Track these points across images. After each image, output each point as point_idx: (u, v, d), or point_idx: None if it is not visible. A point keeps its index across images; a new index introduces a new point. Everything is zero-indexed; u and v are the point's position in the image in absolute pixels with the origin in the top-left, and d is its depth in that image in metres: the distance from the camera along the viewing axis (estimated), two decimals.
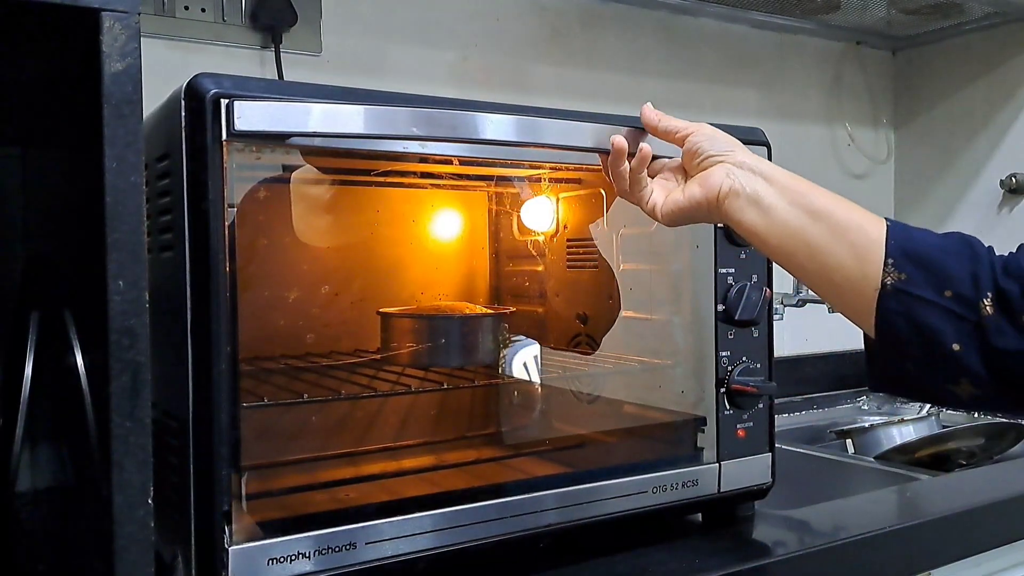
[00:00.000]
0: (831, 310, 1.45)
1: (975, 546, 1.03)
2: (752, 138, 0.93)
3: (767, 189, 0.74)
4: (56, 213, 0.93)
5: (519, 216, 1.22)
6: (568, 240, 1.14)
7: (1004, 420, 1.50)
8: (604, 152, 0.80)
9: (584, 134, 0.81)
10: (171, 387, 0.69)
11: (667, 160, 0.82)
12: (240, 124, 0.65)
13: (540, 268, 1.18)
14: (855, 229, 0.71)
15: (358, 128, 0.71)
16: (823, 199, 0.73)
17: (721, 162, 0.76)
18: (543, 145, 0.81)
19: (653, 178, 0.81)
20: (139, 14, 0.55)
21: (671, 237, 0.96)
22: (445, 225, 1.25)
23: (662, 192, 0.80)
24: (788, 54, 1.82)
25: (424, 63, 1.40)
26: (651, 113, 0.81)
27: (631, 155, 0.79)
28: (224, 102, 0.66)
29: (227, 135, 0.66)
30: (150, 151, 0.71)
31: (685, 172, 0.80)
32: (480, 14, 1.46)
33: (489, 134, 0.77)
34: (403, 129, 0.73)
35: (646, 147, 0.79)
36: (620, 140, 0.79)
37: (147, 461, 0.55)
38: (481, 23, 1.46)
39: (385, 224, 1.20)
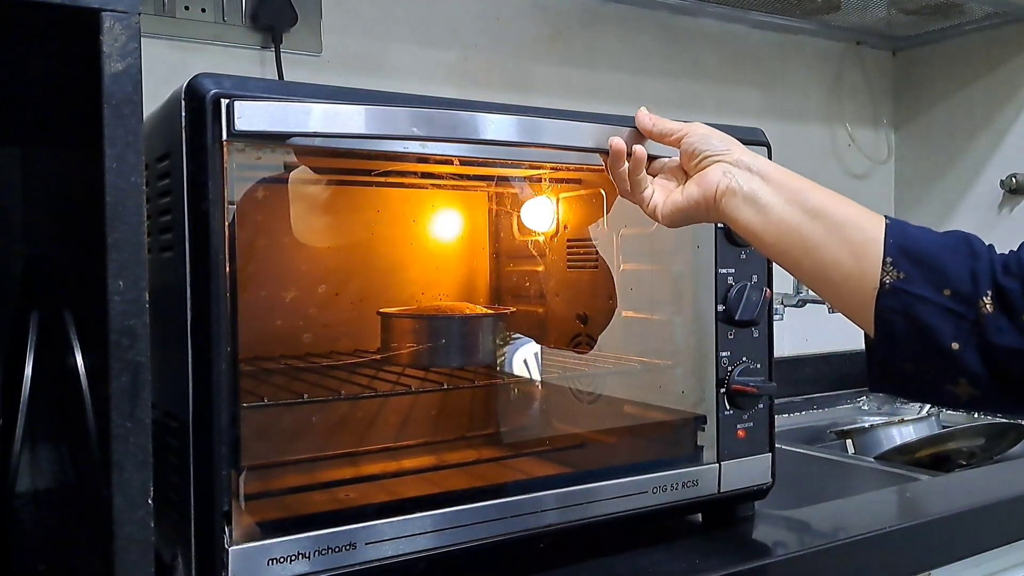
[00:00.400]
0: (831, 310, 1.45)
1: (975, 546, 1.03)
2: (752, 138, 0.93)
3: (764, 187, 0.74)
4: (56, 213, 0.93)
5: (519, 216, 1.22)
6: (568, 240, 1.14)
7: (1004, 420, 1.50)
8: (604, 152, 0.81)
9: (584, 134, 0.81)
10: (171, 387, 0.69)
11: (667, 160, 0.82)
12: (240, 124, 0.65)
13: (540, 268, 1.18)
14: (852, 227, 0.71)
15: (358, 128, 0.71)
16: (820, 196, 0.73)
17: (718, 161, 0.76)
18: (543, 145, 0.81)
19: (654, 177, 0.81)
20: (139, 14, 0.55)
21: (671, 237, 0.96)
22: (445, 225, 1.25)
23: (662, 193, 0.80)
24: (788, 54, 1.82)
25: (424, 63, 1.40)
26: (645, 117, 0.81)
27: (630, 156, 0.79)
28: (224, 102, 0.66)
29: (227, 135, 0.66)
30: (150, 151, 0.71)
31: (684, 173, 0.80)
32: (480, 14, 1.46)
33: (489, 134, 0.77)
34: (403, 129, 0.73)
35: (640, 150, 0.79)
36: (618, 142, 0.79)
37: (147, 461, 0.55)
38: (481, 23, 1.46)
39: (385, 224, 1.20)
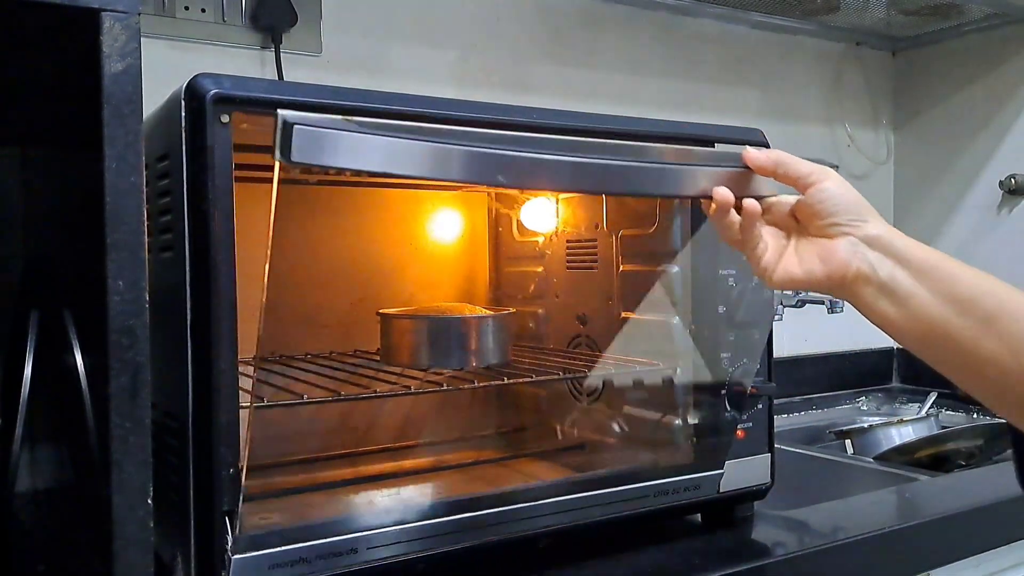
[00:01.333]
0: (830, 311, 1.44)
1: (974, 546, 1.03)
2: (752, 138, 0.93)
3: (902, 275, 0.65)
4: (56, 213, 0.92)
5: (519, 217, 1.22)
6: (568, 241, 1.14)
7: (1003, 421, 1.49)
8: (706, 198, 0.71)
9: (683, 180, 0.70)
10: (171, 387, 0.69)
11: (774, 200, 0.71)
12: (297, 155, 0.59)
13: (540, 269, 1.19)
14: (1009, 318, 0.62)
15: (434, 172, 0.64)
16: (967, 281, 0.64)
17: (848, 234, 0.66)
18: (639, 193, 0.76)
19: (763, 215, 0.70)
20: (139, 14, 0.55)
21: (671, 239, 0.96)
22: (445, 226, 1.25)
23: (775, 252, 0.69)
24: (788, 55, 1.82)
25: (424, 63, 1.40)
26: (764, 158, 0.70)
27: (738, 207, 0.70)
28: (282, 117, 0.58)
29: (280, 156, 0.59)
30: (150, 151, 0.71)
31: (795, 220, 0.70)
32: (480, 14, 1.46)
33: (577, 184, 0.71)
34: (487, 176, 0.66)
35: (753, 205, 0.68)
36: (724, 193, 0.69)
37: (147, 461, 0.55)
38: (481, 23, 1.46)
39: (386, 224, 1.21)
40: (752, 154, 0.71)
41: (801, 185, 0.68)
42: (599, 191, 0.74)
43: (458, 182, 0.68)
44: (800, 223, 0.70)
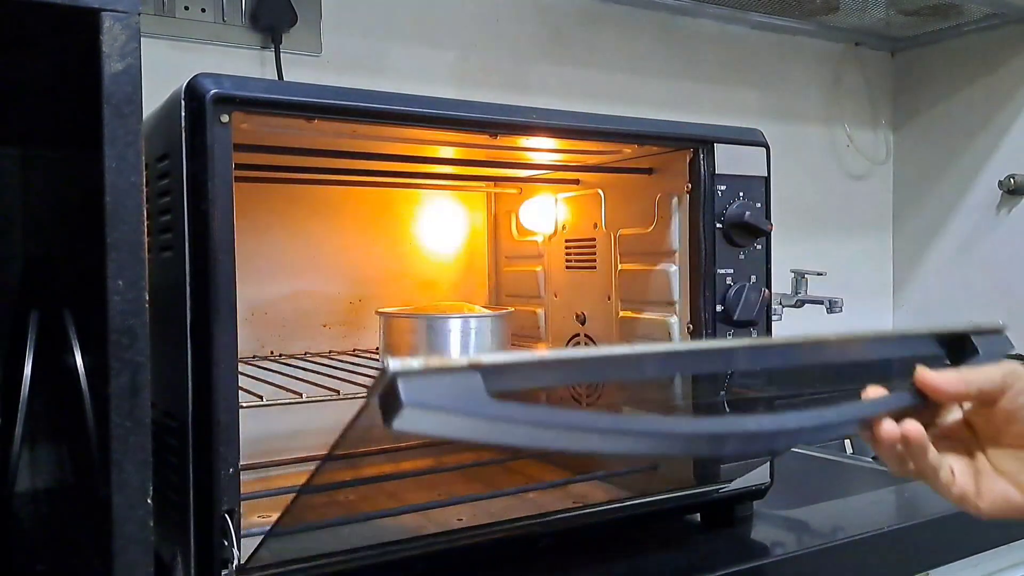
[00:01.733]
0: (829, 311, 1.44)
1: (973, 546, 1.03)
2: (752, 138, 0.93)
3: None
4: (56, 213, 0.93)
5: (518, 216, 1.23)
6: (567, 240, 1.14)
7: None
8: (864, 429, 0.58)
9: (845, 425, 0.60)
10: (171, 387, 0.69)
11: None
12: (400, 426, 0.41)
13: (539, 268, 1.19)
14: None
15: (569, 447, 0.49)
16: None
17: None
18: (790, 447, 0.72)
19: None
20: (139, 14, 0.55)
21: (669, 238, 0.96)
22: (445, 225, 1.26)
23: (966, 474, 0.59)
24: (787, 55, 1.82)
25: (424, 63, 1.40)
26: (956, 383, 0.57)
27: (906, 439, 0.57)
28: (393, 384, 0.41)
29: (380, 415, 0.42)
30: (150, 151, 0.71)
31: (970, 428, 0.60)
32: (480, 14, 1.46)
33: (733, 450, 0.63)
34: (613, 449, 0.52)
35: (919, 434, 0.56)
36: (889, 432, 0.56)
37: (146, 461, 0.55)
38: (481, 23, 1.46)
39: (385, 224, 1.21)
40: (936, 381, 0.57)
41: (994, 396, 0.58)
42: (741, 454, 0.73)
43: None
44: (979, 433, 0.60)
